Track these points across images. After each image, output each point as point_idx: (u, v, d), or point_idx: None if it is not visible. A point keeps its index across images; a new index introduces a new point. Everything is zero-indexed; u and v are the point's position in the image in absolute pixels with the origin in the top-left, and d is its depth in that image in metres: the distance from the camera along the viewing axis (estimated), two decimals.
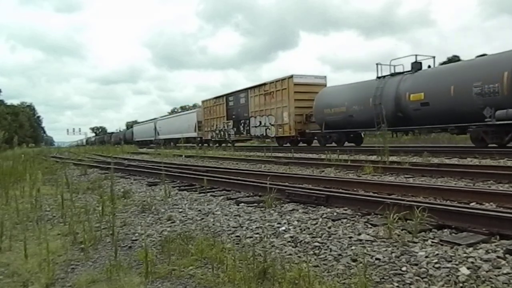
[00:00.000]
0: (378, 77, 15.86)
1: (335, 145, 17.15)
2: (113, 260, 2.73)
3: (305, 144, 20.78)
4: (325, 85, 19.87)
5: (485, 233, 2.81)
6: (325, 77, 20.67)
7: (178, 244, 3.01)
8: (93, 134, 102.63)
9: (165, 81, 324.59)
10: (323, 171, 8.17)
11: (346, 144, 17.86)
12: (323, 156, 10.59)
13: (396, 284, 2.16)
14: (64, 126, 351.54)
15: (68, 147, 57.05)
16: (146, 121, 53.00)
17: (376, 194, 4.57)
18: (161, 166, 7.89)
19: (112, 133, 73.68)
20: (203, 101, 30.34)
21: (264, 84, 21.80)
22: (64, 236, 3.62)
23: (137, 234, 3.55)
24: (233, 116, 25.22)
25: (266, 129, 21.64)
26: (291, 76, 19.58)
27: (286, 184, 5.43)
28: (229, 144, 23.59)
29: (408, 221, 3.05)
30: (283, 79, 20.16)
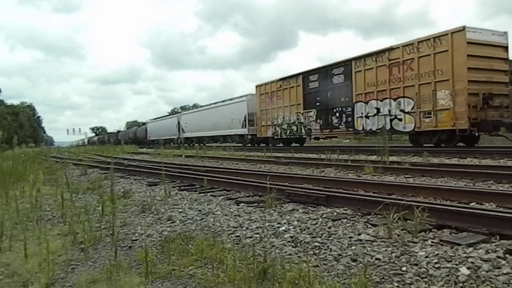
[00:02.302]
0: None
1: None
2: (113, 260, 2.73)
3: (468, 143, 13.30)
4: (507, 47, 12.80)
5: (485, 233, 2.81)
6: (505, 33, 12.85)
7: (178, 244, 3.01)
8: (93, 134, 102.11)
9: (165, 81, 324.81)
10: (323, 171, 8.17)
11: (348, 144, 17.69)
12: (323, 156, 10.59)
13: (396, 284, 2.16)
14: (64, 126, 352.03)
15: (68, 147, 56.82)
16: (165, 116, 45.47)
17: (376, 194, 4.57)
18: (161, 166, 7.89)
19: (119, 131, 63.91)
20: (258, 86, 22.46)
21: (390, 48, 14.02)
22: (64, 236, 3.62)
23: (137, 234, 3.55)
24: (318, 104, 17.84)
25: (391, 120, 14.13)
26: (462, 29, 11.87)
27: (286, 184, 5.43)
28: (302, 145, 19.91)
29: (408, 221, 3.05)
30: (440, 36, 12.42)
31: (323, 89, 17.57)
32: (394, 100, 14.01)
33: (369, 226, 3.30)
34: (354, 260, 2.53)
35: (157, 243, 3.20)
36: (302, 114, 18.93)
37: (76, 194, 5.97)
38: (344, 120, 16.59)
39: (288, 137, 20.35)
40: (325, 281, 2.23)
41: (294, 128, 19.60)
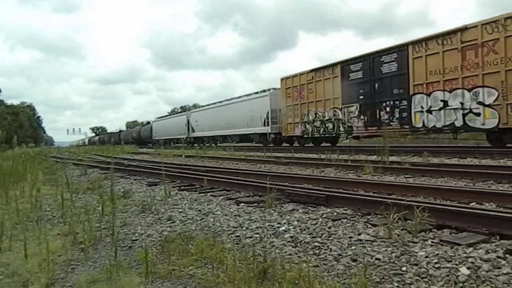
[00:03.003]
0: None
1: None
2: (113, 260, 2.73)
3: None
4: None
5: (485, 233, 2.81)
6: None
7: (178, 244, 3.01)
8: (93, 134, 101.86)
9: (165, 81, 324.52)
10: (323, 171, 8.17)
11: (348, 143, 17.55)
12: (323, 156, 10.59)
13: (396, 284, 2.16)
14: (64, 126, 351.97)
15: (68, 147, 56.71)
16: (172, 114, 43.36)
17: (376, 194, 4.57)
18: (161, 166, 7.89)
19: (121, 131, 60.86)
20: (284, 79, 19.66)
21: (463, 28, 11.54)
22: (64, 236, 3.62)
23: (137, 234, 3.55)
24: (361, 97, 15.21)
25: (464, 115, 11.71)
26: None
27: (286, 184, 5.43)
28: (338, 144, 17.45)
29: (408, 221, 3.05)
30: None
31: (369, 80, 14.84)
32: (469, 90, 11.46)
33: (369, 226, 3.30)
34: (354, 260, 2.53)
35: (157, 243, 3.20)
36: (341, 109, 16.21)
37: (76, 194, 5.97)
38: (397, 115, 13.82)
39: (322, 135, 17.49)
40: (325, 281, 2.23)
41: (330, 125, 16.82)
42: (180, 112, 40.63)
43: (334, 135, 17.28)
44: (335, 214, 3.79)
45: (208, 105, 31.23)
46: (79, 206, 4.66)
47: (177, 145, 28.48)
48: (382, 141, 10.77)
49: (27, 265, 2.84)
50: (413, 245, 2.70)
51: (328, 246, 2.83)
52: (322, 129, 17.36)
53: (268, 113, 21.05)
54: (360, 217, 3.60)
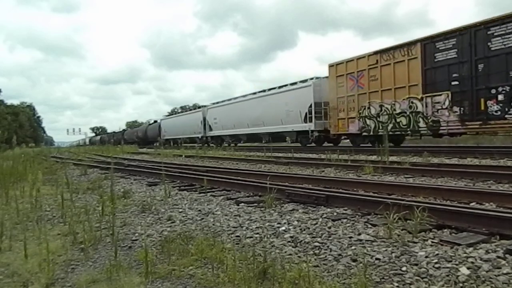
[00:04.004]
0: None
1: None
2: (113, 260, 2.73)
3: None
4: None
5: (485, 233, 2.81)
6: None
7: (178, 244, 3.01)
8: (93, 134, 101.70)
9: (164, 81, 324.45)
10: (323, 171, 8.18)
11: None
12: (323, 156, 10.60)
13: (396, 284, 2.16)
14: (64, 126, 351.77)
15: (68, 147, 56.60)
16: (185, 111, 38.56)
17: (376, 194, 4.57)
18: (161, 166, 7.89)
19: (124, 130, 58.31)
20: (333, 65, 16.35)
21: None
22: (64, 236, 3.62)
23: (137, 234, 3.55)
24: (455, 83, 11.84)
25: None
26: None
27: (286, 184, 5.43)
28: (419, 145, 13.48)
29: (408, 221, 3.05)
30: None
31: (468, 60, 11.52)
32: None
33: (369, 226, 3.30)
34: (354, 260, 2.53)
35: (157, 243, 3.20)
36: (421, 99, 12.79)
37: (76, 194, 5.96)
38: None
39: (393, 132, 13.84)
40: (325, 281, 2.23)
41: (403, 120, 13.46)
42: (192, 109, 33.83)
43: (409, 132, 13.71)
44: (335, 214, 3.79)
45: (229, 99, 26.99)
46: (79, 206, 4.66)
47: (190, 145, 26.70)
48: (481, 140, 9.05)
49: (27, 265, 2.84)
50: (413, 245, 2.71)
51: (328, 246, 2.83)
52: (391, 125, 13.80)
53: (311, 106, 17.41)
54: (360, 217, 3.60)
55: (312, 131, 17.62)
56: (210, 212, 4.29)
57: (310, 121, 17.66)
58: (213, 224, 3.71)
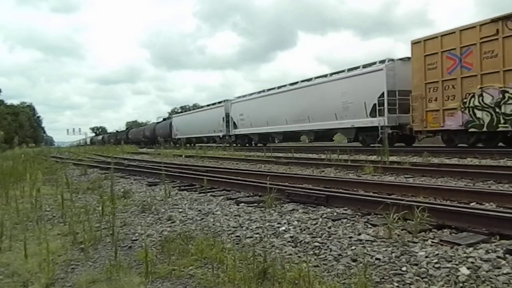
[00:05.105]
0: None
1: None
2: (113, 260, 2.73)
3: None
4: None
5: (485, 233, 2.81)
6: None
7: (178, 244, 3.01)
8: (93, 134, 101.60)
9: (164, 81, 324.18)
10: (323, 171, 8.17)
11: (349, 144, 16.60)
12: (323, 156, 10.60)
13: (396, 284, 2.16)
14: (64, 126, 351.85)
15: (68, 147, 56.48)
16: (203, 107, 32.51)
17: (376, 194, 4.57)
18: (161, 166, 7.89)
19: (129, 129, 54.29)
20: (420, 42, 12.95)
21: None
22: (64, 236, 3.62)
23: (137, 234, 3.56)
24: None
25: None
26: None
27: (286, 184, 5.43)
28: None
29: (408, 221, 3.05)
30: None
31: None
32: None
33: (369, 226, 3.30)
34: (354, 260, 2.53)
35: (157, 243, 3.20)
36: None
37: (76, 194, 5.96)
38: None
39: None
40: (325, 281, 2.23)
41: None
42: (214, 104, 28.37)
43: None
44: (335, 214, 3.78)
45: (260, 92, 23.11)
46: (79, 206, 4.66)
47: (209, 145, 23.19)
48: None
49: (27, 265, 2.84)
50: (413, 245, 2.70)
51: (328, 246, 2.83)
52: None
53: (382, 96, 13.93)
54: (360, 217, 3.60)
55: (384, 127, 13.82)
56: (210, 212, 4.29)
57: (381, 114, 13.97)
58: (213, 224, 3.71)
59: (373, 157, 10.04)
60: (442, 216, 3.15)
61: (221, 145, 21.57)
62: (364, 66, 15.53)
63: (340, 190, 4.78)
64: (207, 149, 19.59)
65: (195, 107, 47.80)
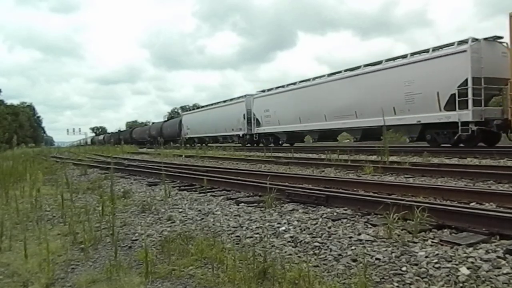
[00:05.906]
0: None
1: None
2: (113, 260, 2.73)
3: None
4: None
5: (485, 233, 2.81)
6: None
7: (178, 244, 3.01)
8: (93, 134, 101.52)
9: (164, 81, 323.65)
10: (323, 171, 8.17)
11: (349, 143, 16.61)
12: (323, 156, 10.60)
13: (396, 284, 2.16)
14: (64, 126, 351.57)
15: (68, 147, 56.39)
16: (219, 103, 27.64)
17: (376, 194, 4.57)
18: (161, 166, 7.89)
19: (132, 128, 51.60)
20: None
21: None
22: (64, 236, 3.62)
23: (137, 234, 3.56)
24: None
25: None
26: None
27: (286, 184, 5.42)
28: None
29: (408, 221, 3.05)
30: None
31: None
32: None
33: (369, 226, 3.30)
34: (354, 260, 2.53)
35: (157, 243, 3.20)
36: None
37: (76, 194, 5.96)
38: None
39: None
40: (325, 281, 2.23)
41: None
42: (233, 99, 25.45)
43: None
44: (335, 214, 3.78)
45: (289, 84, 20.18)
46: (79, 206, 4.66)
47: (223, 145, 20.30)
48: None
49: (27, 265, 2.84)
50: (413, 245, 2.70)
51: (328, 246, 2.83)
52: None
53: (465, 85, 11.46)
54: (360, 217, 3.60)
55: (467, 122, 11.49)
56: (210, 212, 4.29)
57: (462, 107, 11.53)
58: (213, 224, 3.71)
59: (373, 157, 10.04)
60: (442, 216, 3.15)
61: (239, 145, 19.09)
62: (449, 45, 12.54)
63: (340, 190, 4.78)
64: (207, 149, 19.58)
65: (183, 109, 44.80)
